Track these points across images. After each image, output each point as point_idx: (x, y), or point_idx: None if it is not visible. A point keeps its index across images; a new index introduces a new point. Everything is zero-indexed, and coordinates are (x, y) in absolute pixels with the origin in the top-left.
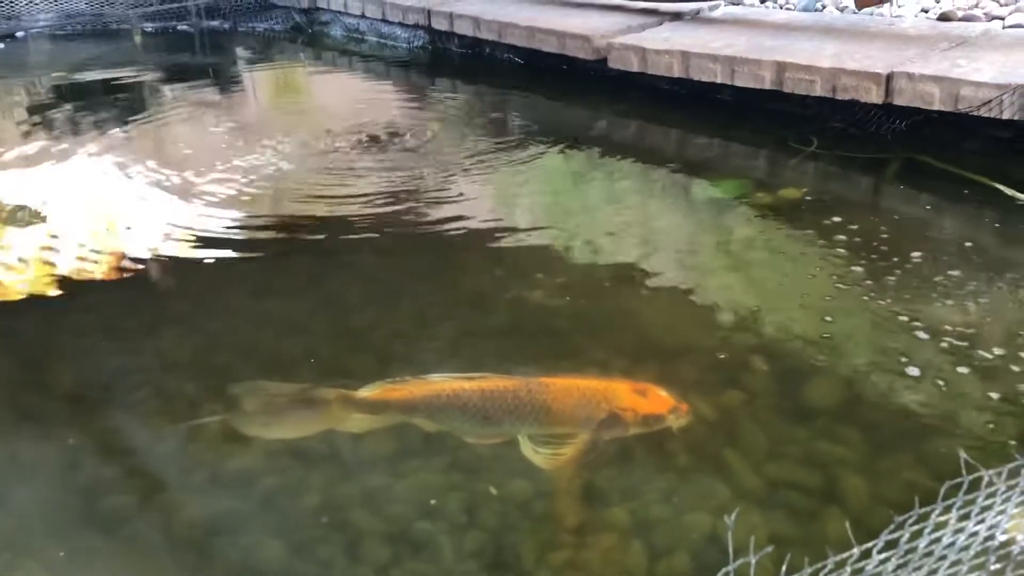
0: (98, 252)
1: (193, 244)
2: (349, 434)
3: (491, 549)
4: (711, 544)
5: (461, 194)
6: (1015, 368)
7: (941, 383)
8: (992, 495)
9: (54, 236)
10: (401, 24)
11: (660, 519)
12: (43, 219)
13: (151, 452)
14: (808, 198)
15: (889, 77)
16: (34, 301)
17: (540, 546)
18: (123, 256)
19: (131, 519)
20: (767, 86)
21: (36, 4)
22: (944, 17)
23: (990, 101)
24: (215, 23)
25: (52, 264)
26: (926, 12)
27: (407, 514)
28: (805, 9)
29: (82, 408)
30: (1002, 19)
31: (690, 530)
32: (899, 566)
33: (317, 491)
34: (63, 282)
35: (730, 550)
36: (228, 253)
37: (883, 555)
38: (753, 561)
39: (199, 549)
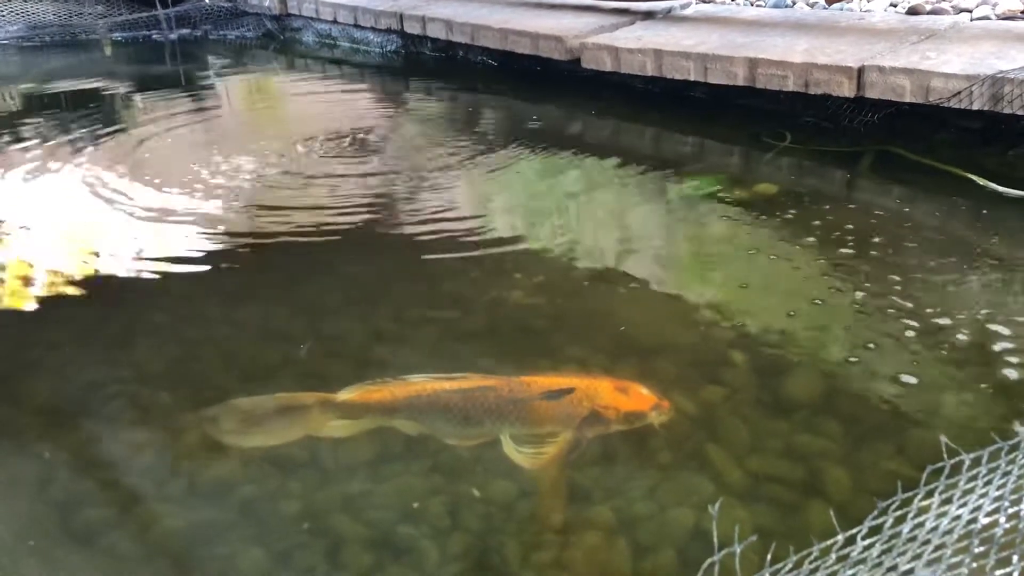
0: (70, 264)
1: (167, 253)
2: (328, 439)
3: (475, 551)
4: (696, 539)
5: (437, 197)
6: (992, 354)
7: (920, 372)
8: (973, 478)
9: (25, 248)
10: (373, 29)
11: (644, 516)
12: (14, 231)
13: (127, 464)
14: (783, 193)
15: (861, 71)
16: (4, 314)
17: (525, 546)
18: (95, 267)
19: (108, 531)
20: (740, 82)
21: (2, 15)
22: (913, 11)
23: (960, 92)
24: (186, 31)
25: (24, 277)
26: (895, 6)
27: (389, 518)
28: (776, 5)
29: (57, 421)
30: (970, 11)
31: (674, 526)
32: (883, 552)
33: (297, 498)
34: (35, 295)
35: (715, 541)
36: (203, 261)
37: (867, 541)
38: (738, 551)
39: (178, 560)
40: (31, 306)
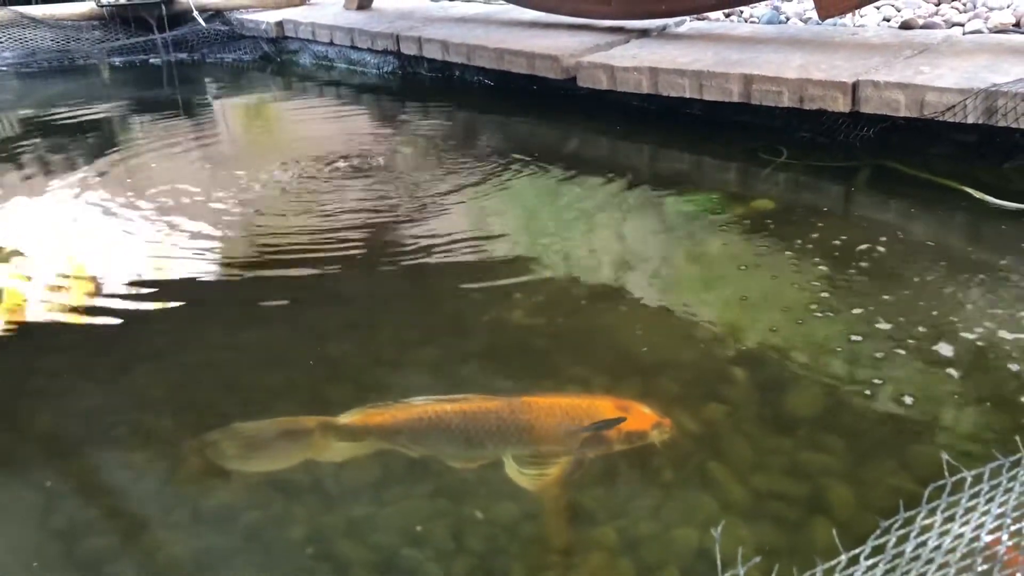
0: (69, 290)
1: (166, 279)
2: (331, 463)
3: (480, 573)
4: (700, 558)
5: (435, 218)
6: (992, 368)
7: (920, 387)
8: (976, 496)
9: (24, 275)
10: (370, 50)
11: (648, 535)
12: (12, 258)
13: (131, 491)
14: (780, 208)
15: (855, 86)
16: (4, 342)
17: (529, 568)
18: (95, 294)
19: (113, 559)
20: (735, 99)
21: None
22: (906, 25)
23: (954, 106)
24: (183, 55)
25: (22, 304)
26: (888, 21)
27: (393, 542)
28: (769, 22)
29: (58, 450)
30: (962, 25)
31: (678, 545)
32: (887, 572)
33: (301, 523)
34: (34, 322)
35: (718, 562)
36: (202, 285)
37: (871, 561)
38: (742, 573)
39: None
40: (31, 333)
